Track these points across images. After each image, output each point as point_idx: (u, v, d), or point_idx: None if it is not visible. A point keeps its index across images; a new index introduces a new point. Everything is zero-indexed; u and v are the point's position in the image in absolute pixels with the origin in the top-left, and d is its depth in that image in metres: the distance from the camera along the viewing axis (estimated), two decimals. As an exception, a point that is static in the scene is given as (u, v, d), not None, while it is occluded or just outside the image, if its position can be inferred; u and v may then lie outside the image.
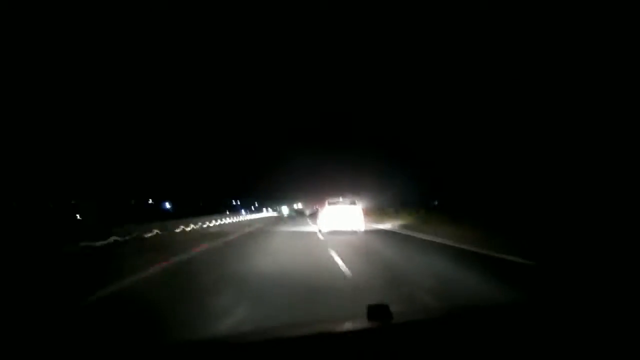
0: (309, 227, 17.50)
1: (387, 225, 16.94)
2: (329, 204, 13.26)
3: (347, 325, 1.34)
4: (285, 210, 66.50)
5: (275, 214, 59.21)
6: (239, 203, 71.37)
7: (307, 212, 50.69)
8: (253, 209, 68.13)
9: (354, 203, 13.12)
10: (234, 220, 26.35)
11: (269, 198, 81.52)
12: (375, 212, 26.46)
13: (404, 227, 15.63)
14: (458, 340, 1.09)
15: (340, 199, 13.51)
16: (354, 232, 12.34)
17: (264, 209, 71.65)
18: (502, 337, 1.12)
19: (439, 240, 9.95)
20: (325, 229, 12.93)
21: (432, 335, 1.17)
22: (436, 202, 28.18)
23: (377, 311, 1.20)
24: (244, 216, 34.86)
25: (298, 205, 67.71)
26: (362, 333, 1.19)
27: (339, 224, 12.49)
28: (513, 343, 1.07)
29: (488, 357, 1.00)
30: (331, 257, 7.13)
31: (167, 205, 49.15)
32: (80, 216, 23.98)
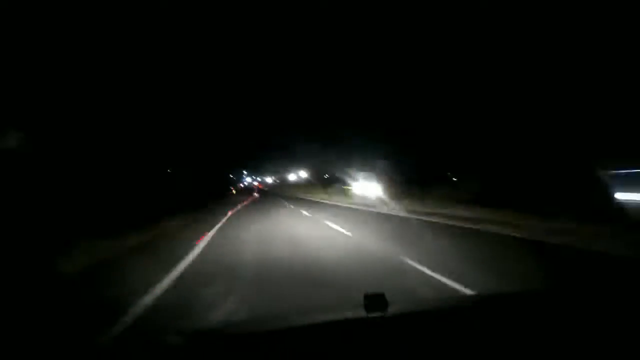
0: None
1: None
2: None
3: (344, 314, 1.36)
4: None
5: None
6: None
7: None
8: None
9: None
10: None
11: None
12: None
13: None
14: (454, 330, 1.10)
15: None
16: None
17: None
18: (498, 327, 1.12)
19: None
20: None
21: (429, 324, 1.18)
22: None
23: (373, 300, 1.21)
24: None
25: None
26: (359, 322, 1.20)
27: None
28: (510, 334, 1.06)
29: (483, 347, 1.00)
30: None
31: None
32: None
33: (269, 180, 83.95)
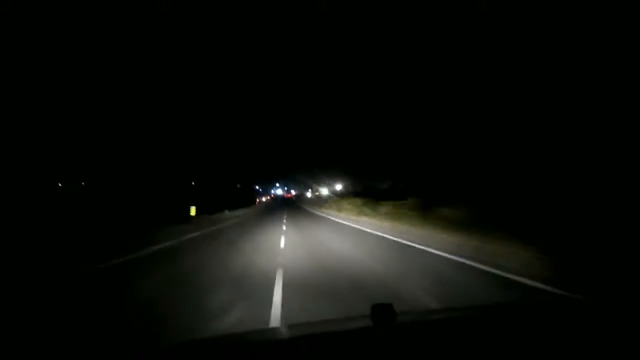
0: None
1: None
2: None
3: (351, 325, 1.35)
4: None
5: None
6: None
7: None
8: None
9: None
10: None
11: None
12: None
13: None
14: (462, 340, 1.10)
15: None
16: None
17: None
18: (506, 337, 1.12)
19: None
20: None
21: (437, 335, 1.17)
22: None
23: (381, 310, 1.19)
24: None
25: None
26: (366, 332, 1.18)
27: None
28: (518, 343, 1.07)
29: (492, 357, 1.00)
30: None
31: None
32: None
33: (309, 194, 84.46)
